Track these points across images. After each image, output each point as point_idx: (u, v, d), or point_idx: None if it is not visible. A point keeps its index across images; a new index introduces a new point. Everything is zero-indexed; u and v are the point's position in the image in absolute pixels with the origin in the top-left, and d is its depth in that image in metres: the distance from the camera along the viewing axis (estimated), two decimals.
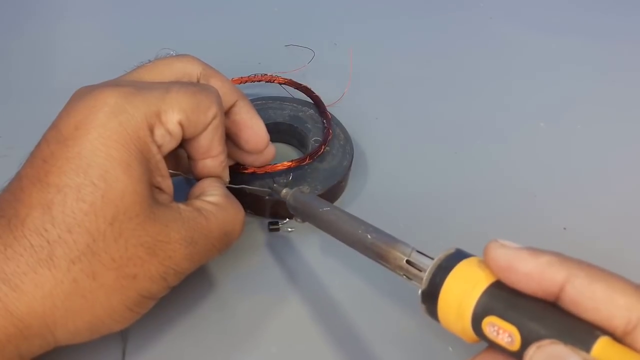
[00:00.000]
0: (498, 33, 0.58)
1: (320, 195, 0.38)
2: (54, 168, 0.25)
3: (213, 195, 0.31)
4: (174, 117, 0.28)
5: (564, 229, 0.40)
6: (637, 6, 0.64)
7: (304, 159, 0.38)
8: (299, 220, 0.33)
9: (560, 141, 0.47)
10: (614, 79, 0.54)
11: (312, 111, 0.43)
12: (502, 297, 0.21)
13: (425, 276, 0.23)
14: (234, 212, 0.31)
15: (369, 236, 0.27)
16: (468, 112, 0.49)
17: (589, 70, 0.55)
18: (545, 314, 0.20)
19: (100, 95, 0.27)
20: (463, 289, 0.22)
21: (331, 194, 0.39)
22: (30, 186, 0.26)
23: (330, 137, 0.40)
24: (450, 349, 0.33)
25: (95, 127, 0.26)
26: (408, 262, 0.25)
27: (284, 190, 0.34)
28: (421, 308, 0.23)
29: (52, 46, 0.51)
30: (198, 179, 0.33)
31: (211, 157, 0.32)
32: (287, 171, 0.38)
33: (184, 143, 0.31)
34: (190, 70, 0.33)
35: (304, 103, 0.44)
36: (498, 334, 0.20)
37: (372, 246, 0.27)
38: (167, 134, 0.28)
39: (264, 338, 0.32)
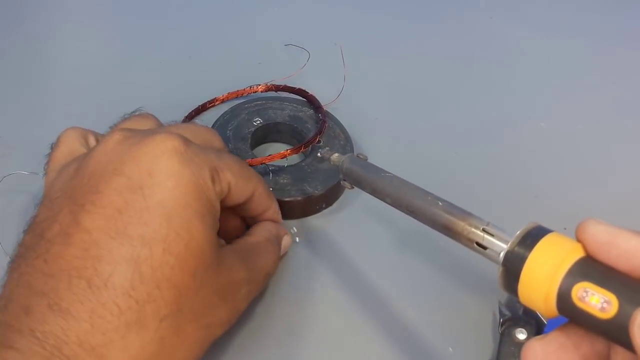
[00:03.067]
0: (498, 33, 0.58)
1: (320, 195, 0.38)
2: (133, 219, 0.24)
3: (256, 236, 0.32)
4: (227, 176, 0.28)
5: (565, 229, 0.39)
6: (638, 6, 0.64)
7: (299, 148, 0.38)
8: (348, 186, 0.32)
9: (560, 141, 0.47)
10: (614, 79, 0.54)
11: (312, 111, 0.43)
12: (598, 267, 0.21)
13: (513, 240, 0.23)
14: (274, 254, 0.32)
15: (440, 203, 0.26)
16: (468, 112, 0.49)
17: (590, 70, 0.55)
18: None
19: (165, 141, 0.26)
20: (557, 252, 0.22)
21: (331, 194, 0.39)
22: (107, 240, 0.23)
23: (325, 128, 0.40)
24: (450, 349, 0.33)
25: (169, 175, 0.25)
26: (484, 230, 0.24)
27: (335, 155, 0.33)
28: (498, 272, 0.23)
29: (52, 46, 0.51)
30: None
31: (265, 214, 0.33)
32: (283, 160, 0.38)
33: (237, 208, 0.31)
34: None
35: (304, 103, 0.44)
36: (591, 300, 0.20)
37: (443, 214, 0.26)
38: (221, 192, 0.28)
39: (265, 338, 0.32)
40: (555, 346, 0.22)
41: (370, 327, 0.33)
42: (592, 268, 0.21)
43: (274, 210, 0.33)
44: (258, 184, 0.31)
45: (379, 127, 0.46)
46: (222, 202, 0.29)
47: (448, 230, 0.26)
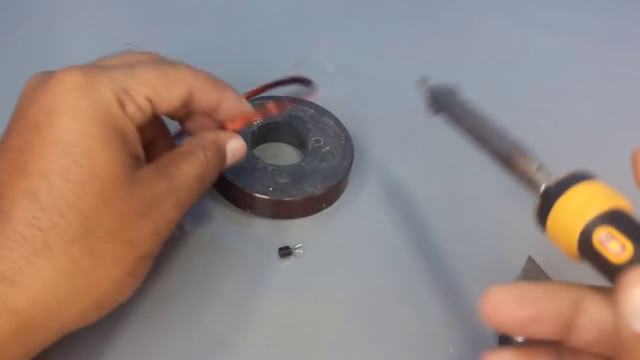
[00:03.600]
0: (498, 33, 0.58)
1: (321, 195, 0.38)
2: (33, 155, 0.25)
3: (185, 145, 0.32)
4: (141, 91, 0.29)
5: None
6: (637, 6, 0.64)
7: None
8: (431, 113, 0.35)
9: (560, 141, 0.47)
10: (615, 78, 0.54)
11: (312, 111, 0.43)
12: (625, 217, 0.22)
13: (558, 176, 0.24)
14: (203, 156, 0.31)
15: (507, 138, 0.29)
16: None
17: (590, 70, 0.55)
18: None
19: (65, 78, 0.27)
20: (594, 195, 0.23)
21: (331, 194, 0.39)
22: (9, 178, 0.25)
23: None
24: (450, 349, 0.33)
25: (67, 110, 0.26)
26: (539, 168, 0.26)
27: (429, 83, 0.36)
28: (535, 202, 0.25)
29: (52, 46, 0.51)
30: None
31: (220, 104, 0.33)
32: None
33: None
34: None
35: (304, 103, 0.44)
36: (609, 242, 0.21)
37: (507, 146, 0.29)
38: (137, 110, 0.28)
39: (263, 338, 0.32)
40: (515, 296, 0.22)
41: (371, 327, 0.33)
42: (622, 215, 0.22)
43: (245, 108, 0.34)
44: (194, 80, 0.31)
45: (379, 127, 0.46)
46: (159, 111, 0.29)
47: (506, 162, 0.28)
